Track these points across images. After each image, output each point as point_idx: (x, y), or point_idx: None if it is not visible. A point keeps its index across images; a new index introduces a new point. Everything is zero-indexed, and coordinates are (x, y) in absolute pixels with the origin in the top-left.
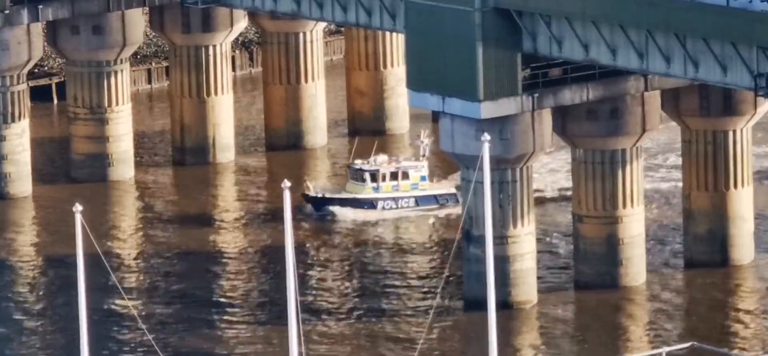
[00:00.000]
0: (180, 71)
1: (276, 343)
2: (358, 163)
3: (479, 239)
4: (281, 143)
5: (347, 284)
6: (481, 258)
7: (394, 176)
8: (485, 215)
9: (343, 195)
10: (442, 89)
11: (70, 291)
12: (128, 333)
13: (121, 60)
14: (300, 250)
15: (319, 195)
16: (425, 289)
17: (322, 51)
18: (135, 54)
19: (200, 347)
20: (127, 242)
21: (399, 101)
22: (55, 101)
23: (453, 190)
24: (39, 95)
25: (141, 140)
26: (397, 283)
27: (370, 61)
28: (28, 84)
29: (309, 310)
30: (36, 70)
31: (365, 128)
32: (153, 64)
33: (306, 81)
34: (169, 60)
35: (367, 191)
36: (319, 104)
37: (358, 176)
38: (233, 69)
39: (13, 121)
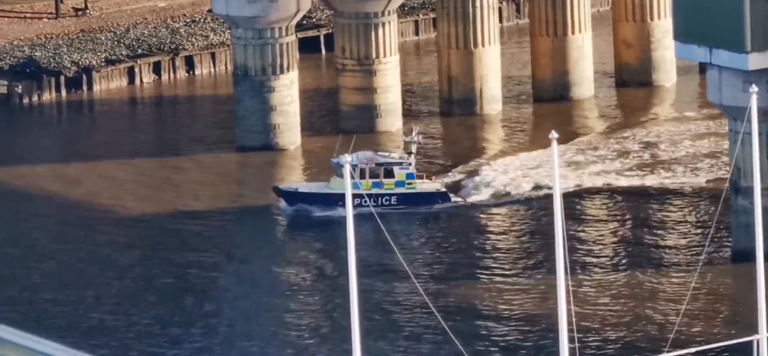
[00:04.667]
0: (447, 22)
1: (544, 296)
2: (338, 158)
3: (747, 191)
4: (548, 94)
5: (613, 237)
6: (749, 209)
7: (374, 173)
8: (753, 167)
9: (316, 191)
10: (709, 40)
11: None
12: (396, 282)
13: (389, 11)
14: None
15: (291, 190)
16: (692, 241)
17: (588, 2)
18: (402, 5)
19: (468, 298)
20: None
21: (666, 53)
22: (323, 53)
23: (443, 189)
24: (307, 46)
25: (408, 91)
26: (662, 235)
27: (637, 13)
28: (296, 35)
29: (575, 264)
30: (304, 22)
31: (632, 79)
32: (420, 15)
33: (573, 33)
34: (437, 11)
35: (342, 188)
36: (585, 56)
37: (337, 171)
38: (500, 20)
39: (281, 72)
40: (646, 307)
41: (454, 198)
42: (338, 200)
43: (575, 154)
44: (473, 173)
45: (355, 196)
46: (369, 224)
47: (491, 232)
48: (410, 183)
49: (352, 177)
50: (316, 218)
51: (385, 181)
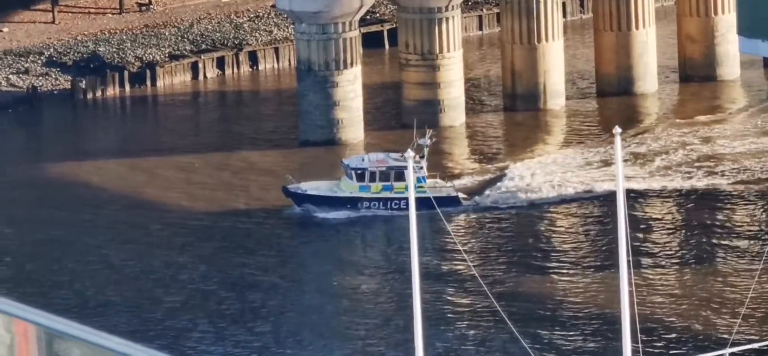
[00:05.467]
0: (511, 18)
1: (607, 291)
2: (348, 160)
3: None
4: (612, 89)
5: (674, 231)
6: None
7: (385, 176)
8: None
9: (324, 193)
10: None
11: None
12: (459, 276)
13: (453, 6)
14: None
15: (300, 191)
16: (753, 240)
17: None
18: (466, 0)
19: (532, 293)
20: (458, 187)
21: (729, 48)
22: (387, 48)
23: (454, 192)
24: (371, 41)
25: (472, 86)
26: (723, 234)
27: (701, 8)
28: (360, 31)
29: (639, 256)
30: (367, 17)
31: (696, 74)
32: (484, 10)
33: (637, 27)
34: (500, 6)
35: (351, 190)
36: (649, 51)
37: (347, 173)
38: (564, 15)
39: (345, 67)
40: (706, 306)
41: (464, 201)
42: (346, 203)
43: (637, 146)
44: (500, 172)
45: (363, 199)
46: (382, 226)
47: (515, 234)
48: (421, 186)
49: (363, 180)
50: (319, 219)
51: (396, 184)
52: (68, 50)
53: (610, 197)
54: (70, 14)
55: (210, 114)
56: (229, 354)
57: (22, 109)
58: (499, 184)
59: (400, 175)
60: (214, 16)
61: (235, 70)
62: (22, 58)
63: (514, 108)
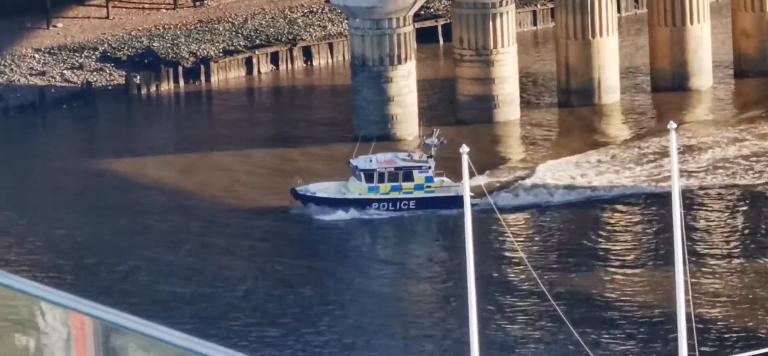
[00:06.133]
0: (565, 13)
1: (661, 288)
2: (356, 160)
3: None
4: (666, 84)
5: (729, 229)
6: None
7: (393, 176)
8: None
9: (332, 194)
10: None
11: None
12: (513, 273)
13: (507, 2)
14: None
15: (309, 194)
16: None
17: None
18: None
19: (586, 290)
20: (512, 183)
21: None
22: (441, 43)
23: (462, 192)
24: (425, 36)
25: (526, 82)
26: None
27: (756, 3)
28: (414, 26)
29: (694, 254)
30: (422, 12)
31: (751, 69)
32: (538, 5)
33: (691, 22)
34: (555, 1)
35: (359, 191)
36: (704, 46)
37: (355, 174)
38: (618, 10)
39: (399, 63)
40: (762, 299)
41: (474, 201)
42: (355, 204)
43: (688, 140)
44: (524, 171)
45: (372, 200)
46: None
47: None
48: (429, 186)
49: (372, 181)
50: (320, 221)
51: (404, 184)
52: (122, 46)
53: (639, 196)
54: (124, 9)
55: (264, 110)
56: (286, 349)
57: (77, 104)
58: (519, 183)
59: (408, 175)
60: (268, 11)
61: (289, 65)
62: (77, 54)
63: (569, 103)
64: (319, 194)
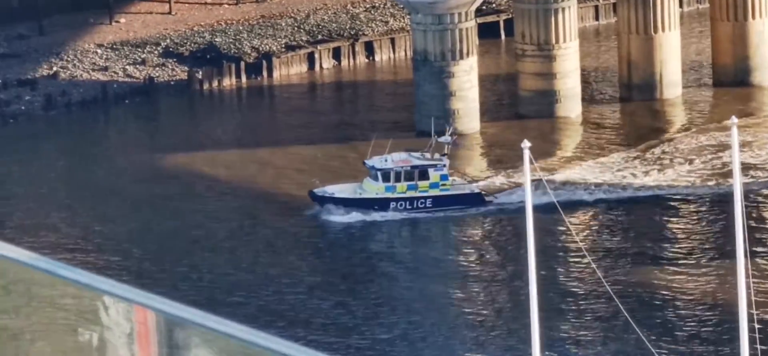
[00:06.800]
0: (627, 8)
1: (723, 287)
2: (371, 160)
3: None
4: (728, 79)
5: None
6: None
7: (409, 175)
8: None
9: (350, 195)
10: None
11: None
12: (573, 267)
13: None
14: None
15: (327, 195)
16: None
17: None
18: None
19: (646, 283)
20: (571, 178)
21: None
22: (503, 38)
23: (477, 190)
24: (487, 31)
25: (588, 77)
26: None
27: None
28: (476, 21)
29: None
30: (484, 7)
31: None
32: (600, 0)
33: (753, 17)
34: None
35: (376, 191)
36: (766, 41)
37: (371, 174)
38: (680, 5)
39: (461, 58)
40: None
41: (488, 199)
42: (375, 204)
43: (749, 137)
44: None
45: (390, 200)
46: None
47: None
48: (444, 184)
49: (389, 180)
50: (336, 222)
51: (420, 183)
52: (185, 41)
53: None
54: (186, 5)
55: (326, 105)
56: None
57: (139, 99)
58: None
59: (423, 174)
60: (331, 6)
61: (351, 60)
62: (139, 49)
63: (630, 98)
64: (336, 195)
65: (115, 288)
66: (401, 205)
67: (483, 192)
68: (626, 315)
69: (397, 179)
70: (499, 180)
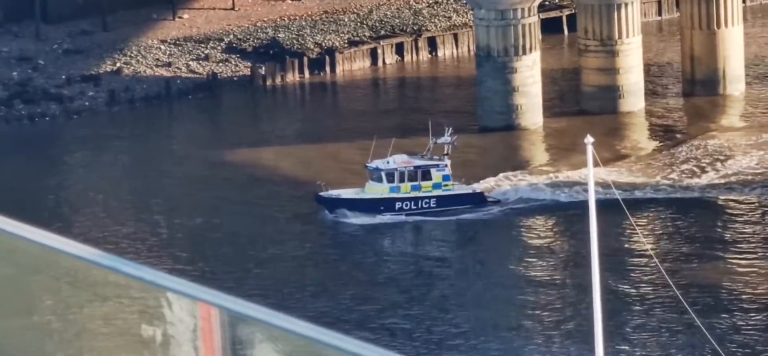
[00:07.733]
0: (690, 3)
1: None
2: (374, 163)
3: None
4: None
5: None
6: None
7: (412, 175)
8: None
9: (358, 196)
10: None
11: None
12: (637, 264)
13: None
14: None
15: (334, 197)
16: None
17: None
18: None
19: (710, 281)
20: (636, 175)
21: None
22: (566, 33)
23: (479, 190)
24: (549, 27)
25: (650, 72)
26: None
27: None
28: (539, 16)
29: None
30: (547, 3)
31: None
32: None
33: None
34: None
35: (381, 192)
36: None
37: (375, 176)
38: (744, 0)
39: (524, 53)
40: None
41: (490, 199)
42: (382, 205)
43: None
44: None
45: (397, 200)
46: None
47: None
48: (446, 184)
49: (393, 181)
50: (342, 224)
51: (423, 183)
52: (248, 37)
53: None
54: (249, 0)
55: (388, 100)
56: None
57: (202, 95)
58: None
59: (426, 174)
60: (393, 2)
61: (414, 56)
62: (202, 45)
63: (693, 93)
64: (344, 197)
65: (179, 284)
66: (406, 205)
67: (485, 192)
68: (689, 308)
69: (402, 180)
70: (563, 175)
